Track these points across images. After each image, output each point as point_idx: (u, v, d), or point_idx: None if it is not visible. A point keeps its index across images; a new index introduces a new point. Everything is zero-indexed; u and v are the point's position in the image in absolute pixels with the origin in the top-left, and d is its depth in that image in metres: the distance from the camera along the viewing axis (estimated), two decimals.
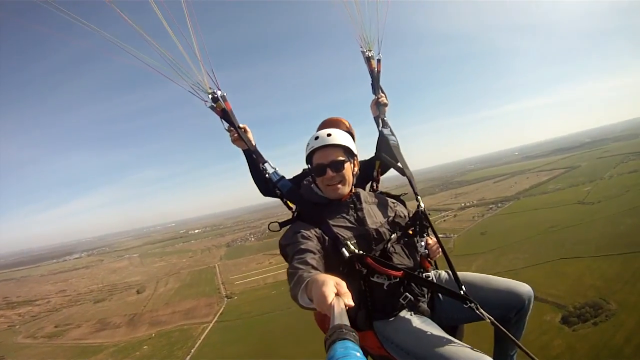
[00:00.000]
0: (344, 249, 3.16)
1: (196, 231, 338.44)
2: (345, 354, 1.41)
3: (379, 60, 4.80)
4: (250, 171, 4.27)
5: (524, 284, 3.49)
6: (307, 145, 3.63)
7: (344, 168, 3.54)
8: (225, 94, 3.96)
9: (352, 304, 1.94)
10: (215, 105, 3.94)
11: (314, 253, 3.06)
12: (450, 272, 3.61)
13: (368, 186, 4.55)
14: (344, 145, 3.59)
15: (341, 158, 3.53)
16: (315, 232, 3.33)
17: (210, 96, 3.90)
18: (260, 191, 4.31)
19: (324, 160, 3.49)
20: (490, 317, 3.09)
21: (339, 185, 3.55)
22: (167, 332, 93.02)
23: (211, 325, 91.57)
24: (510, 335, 3.13)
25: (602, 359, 44.91)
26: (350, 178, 3.64)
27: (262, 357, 64.38)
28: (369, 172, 4.48)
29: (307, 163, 3.69)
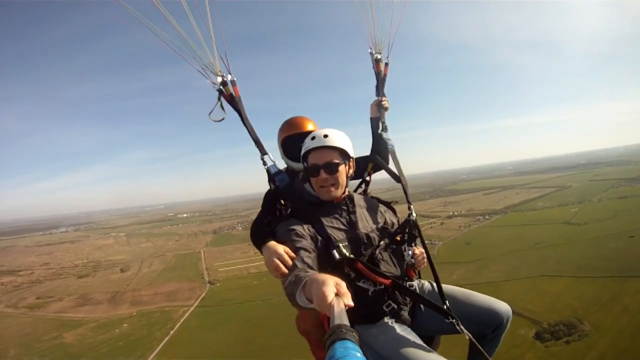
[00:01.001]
0: (335, 251, 3.23)
1: (184, 215, 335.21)
2: (345, 354, 1.41)
3: (386, 64, 4.87)
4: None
5: (504, 303, 3.53)
6: (304, 144, 3.63)
7: (338, 171, 3.53)
8: (235, 79, 3.97)
9: (352, 304, 1.98)
10: (223, 89, 3.93)
11: (309, 252, 3.14)
12: (435, 284, 3.66)
13: (356, 184, 4.55)
14: (341, 148, 3.57)
15: (336, 160, 3.52)
16: (309, 230, 3.37)
17: (219, 79, 3.90)
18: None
19: (318, 162, 3.49)
20: (469, 335, 3.20)
21: (332, 188, 3.54)
22: (147, 312, 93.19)
23: (192, 309, 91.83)
24: (485, 353, 3.25)
25: None
26: (344, 181, 3.64)
27: (239, 344, 64.90)
28: (359, 172, 4.34)
29: (303, 161, 3.68)
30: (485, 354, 3.27)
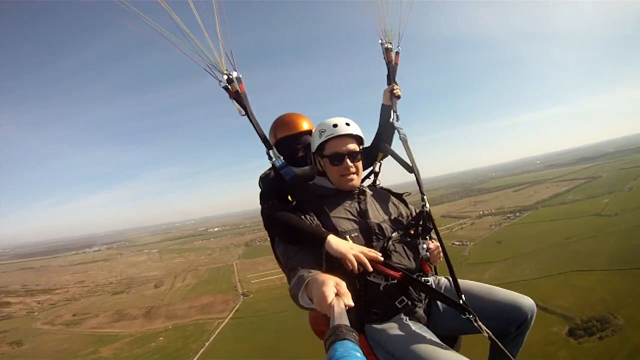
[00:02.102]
0: None
1: (215, 229, 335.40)
2: (345, 354, 1.41)
3: (397, 53, 4.68)
4: None
5: (527, 297, 3.31)
6: (321, 132, 3.53)
7: (359, 159, 3.56)
8: (241, 76, 3.85)
9: (352, 304, 1.97)
10: (229, 86, 3.82)
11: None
12: (450, 279, 3.48)
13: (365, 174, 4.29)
14: (360, 137, 3.60)
15: (357, 149, 3.53)
16: (313, 221, 3.32)
17: (225, 77, 3.79)
18: None
19: (342, 149, 3.45)
20: (489, 332, 2.97)
21: (354, 176, 3.51)
22: (182, 325, 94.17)
23: (226, 321, 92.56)
24: (507, 352, 2.97)
25: None
26: (361, 170, 3.66)
27: (273, 353, 65.06)
28: (368, 161, 4.24)
29: (316, 152, 3.62)
30: (507, 353, 2.99)
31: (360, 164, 3.59)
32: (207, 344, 79.86)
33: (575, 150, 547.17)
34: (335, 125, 3.49)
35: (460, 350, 3.56)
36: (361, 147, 3.64)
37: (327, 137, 3.46)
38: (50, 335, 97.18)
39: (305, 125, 4.28)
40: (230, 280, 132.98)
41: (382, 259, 2.74)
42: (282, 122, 4.35)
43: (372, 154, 4.31)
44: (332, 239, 2.95)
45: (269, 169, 4.25)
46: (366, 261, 2.86)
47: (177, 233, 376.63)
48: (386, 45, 4.65)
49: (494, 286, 3.48)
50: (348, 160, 3.45)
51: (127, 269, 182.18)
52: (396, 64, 4.66)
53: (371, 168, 4.38)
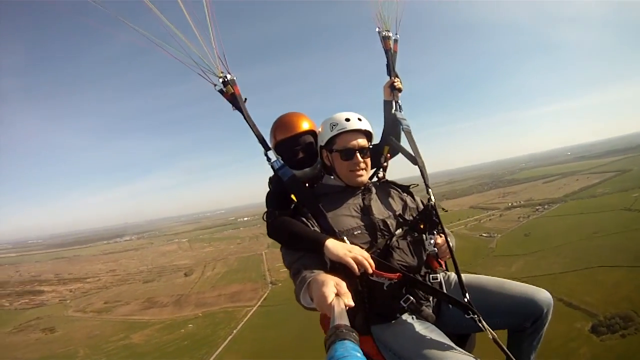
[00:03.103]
0: None
1: (245, 219, 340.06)
2: (345, 354, 1.40)
3: (395, 41, 4.58)
4: None
5: (543, 290, 3.16)
6: (332, 126, 3.46)
7: (369, 155, 3.52)
8: (235, 78, 3.80)
9: (352, 304, 1.97)
10: (225, 90, 3.75)
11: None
12: (461, 276, 3.24)
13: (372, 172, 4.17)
14: (370, 133, 3.56)
15: (367, 145, 3.50)
16: (312, 225, 3.24)
17: (220, 80, 3.74)
18: None
19: (354, 144, 3.40)
20: (493, 333, 2.81)
21: (363, 172, 3.47)
22: (212, 313, 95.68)
23: (254, 308, 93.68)
24: (509, 354, 2.86)
25: None
26: (370, 166, 3.62)
27: (300, 341, 65.02)
28: (376, 159, 4.12)
29: (325, 146, 3.54)
30: (508, 353, 2.87)
31: (369, 160, 3.56)
32: (235, 331, 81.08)
33: (607, 142, 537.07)
34: (347, 120, 3.43)
35: (474, 347, 3.50)
36: (370, 144, 3.60)
37: (339, 131, 3.41)
38: (82, 322, 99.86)
39: (305, 125, 3.98)
40: (259, 269, 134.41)
41: (371, 270, 2.58)
42: (281, 124, 4.06)
43: (379, 150, 4.16)
44: (330, 243, 2.86)
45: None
46: (365, 263, 2.75)
47: (208, 222, 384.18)
48: (384, 34, 4.56)
49: (507, 280, 3.35)
50: (358, 156, 3.40)
51: (157, 258, 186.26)
52: (395, 52, 4.57)
53: (380, 164, 4.23)
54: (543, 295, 3.07)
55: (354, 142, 3.38)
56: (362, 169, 3.43)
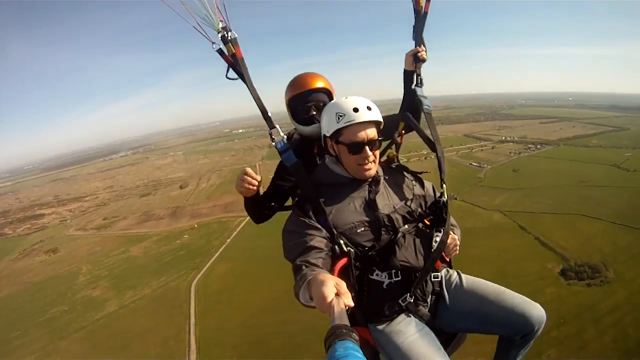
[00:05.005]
0: (336, 246, 2.93)
1: (240, 131, 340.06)
2: (345, 354, 1.40)
3: None
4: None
5: (538, 306, 3.06)
6: (338, 117, 3.05)
7: (378, 147, 3.19)
8: (236, 36, 3.36)
9: (352, 304, 1.92)
10: (224, 49, 3.35)
11: (319, 249, 2.83)
12: (464, 277, 3.34)
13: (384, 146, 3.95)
14: (380, 122, 3.16)
15: (377, 136, 3.13)
16: (312, 222, 3.04)
17: (220, 36, 3.31)
18: None
19: (362, 137, 3.03)
20: None
21: (372, 165, 3.13)
22: (206, 223, 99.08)
23: (247, 219, 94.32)
24: None
25: (582, 319, 46.17)
26: (378, 158, 3.28)
27: None
28: (388, 131, 3.71)
29: (331, 136, 3.15)
30: None
31: (378, 152, 3.20)
32: (228, 240, 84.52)
33: (611, 96, 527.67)
34: (356, 110, 3.02)
35: (464, 343, 3.51)
36: (380, 136, 3.18)
37: (347, 124, 3.01)
38: (83, 240, 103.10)
39: (319, 84, 3.76)
40: None
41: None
42: (293, 83, 3.87)
43: (394, 124, 3.89)
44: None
45: (293, 130, 3.99)
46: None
47: (202, 135, 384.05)
48: None
49: (505, 289, 3.21)
50: (367, 150, 3.05)
51: (153, 172, 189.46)
52: (426, 12, 3.88)
53: (394, 139, 3.93)
54: (536, 312, 3.01)
55: (363, 135, 3.03)
56: (371, 162, 3.11)
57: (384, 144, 3.82)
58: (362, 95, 3.22)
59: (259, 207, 3.65)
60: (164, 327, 54.27)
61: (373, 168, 3.13)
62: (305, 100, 3.68)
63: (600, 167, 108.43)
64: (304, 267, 2.60)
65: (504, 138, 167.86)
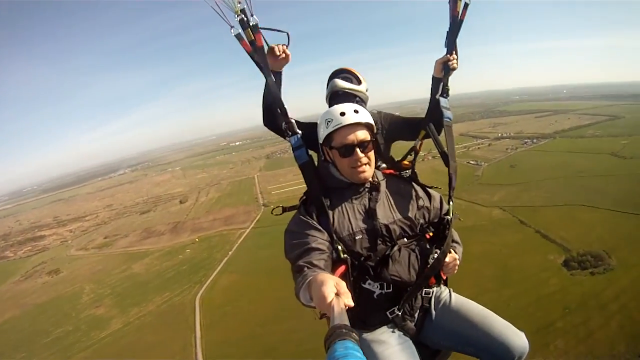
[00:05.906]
0: (333, 251, 2.95)
1: (237, 143, 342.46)
2: (345, 354, 1.41)
3: (466, 5, 3.62)
4: (264, 97, 3.66)
5: (521, 335, 3.02)
6: (327, 122, 3.10)
7: (371, 149, 3.15)
8: (258, 22, 3.18)
9: (352, 304, 1.92)
10: (243, 34, 3.20)
11: (321, 251, 2.84)
12: (454, 297, 3.33)
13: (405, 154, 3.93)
14: (371, 125, 3.17)
15: (368, 138, 3.12)
16: (315, 224, 3.07)
17: (238, 19, 3.13)
18: (264, 119, 3.85)
19: (352, 140, 3.04)
20: None
21: (366, 167, 3.12)
22: (207, 237, 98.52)
23: (248, 230, 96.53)
24: None
25: (587, 308, 45.97)
26: (374, 160, 3.23)
27: None
28: (409, 134, 4.02)
29: (324, 143, 3.18)
30: None
31: (372, 154, 3.17)
32: (230, 252, 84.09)
33: (604, 86, 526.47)
34: (342, 114, 3.06)
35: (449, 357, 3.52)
36: (374, 136, 3.20)
37: (335, 127, 3.04)
38: (85, 260, 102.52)
39: (358, 75, 4.05)
40: (252, 192, 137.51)
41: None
42: (338, 72, 4.09)
43: (417, 128, 3.94)
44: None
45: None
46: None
47: (200, 149, 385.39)
48: None
49: (491, 313, 3.19)
50: (359, 151, 3.06)
51: (152, 189, 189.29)
52: (462, 20, 3.71)
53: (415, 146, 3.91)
54: (519, 342, 2.97)
55: (352, 137, 3.04)
56: (365, 164, 3.10)
57: (404, 149, 3.86)
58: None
59: (279, 96, 3.47)
60: (170, 342, 54.11)
61: (368, 170, 3.13)
62: (342, 73, 3.90)
63: (597, 156, 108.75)
64: (305, 268, 2.62)
65: (500, 135, 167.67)
